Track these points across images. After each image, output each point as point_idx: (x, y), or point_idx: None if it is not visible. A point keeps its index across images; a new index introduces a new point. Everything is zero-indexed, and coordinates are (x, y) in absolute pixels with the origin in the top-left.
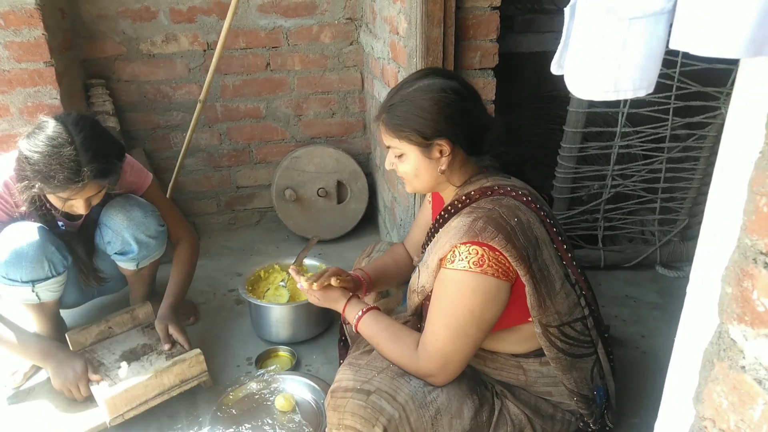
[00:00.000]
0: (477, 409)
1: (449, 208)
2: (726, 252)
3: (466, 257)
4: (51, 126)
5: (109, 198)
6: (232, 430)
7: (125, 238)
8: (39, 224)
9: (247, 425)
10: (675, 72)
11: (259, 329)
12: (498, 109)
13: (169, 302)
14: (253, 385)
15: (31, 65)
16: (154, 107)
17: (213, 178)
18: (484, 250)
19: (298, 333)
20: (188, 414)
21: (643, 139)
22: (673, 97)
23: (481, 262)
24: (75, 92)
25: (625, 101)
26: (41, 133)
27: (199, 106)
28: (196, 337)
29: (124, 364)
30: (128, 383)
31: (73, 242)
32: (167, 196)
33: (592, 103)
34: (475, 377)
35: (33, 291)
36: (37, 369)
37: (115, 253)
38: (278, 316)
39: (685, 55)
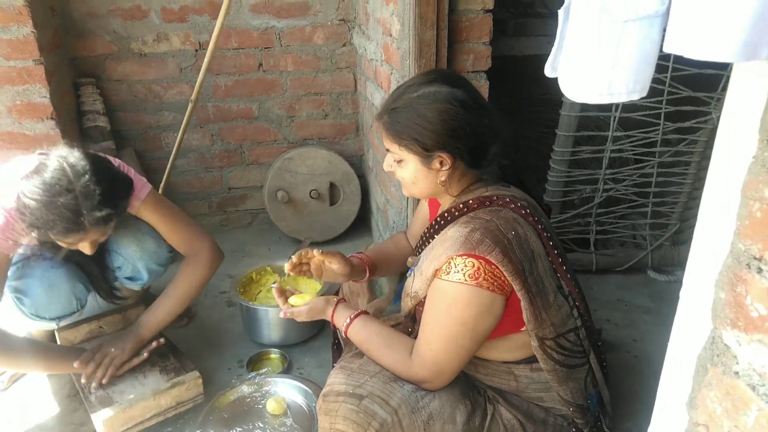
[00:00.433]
0: (469, 414)
1: (446, 215)
2: (719, 257)
3: (462, 269)
4: (50, 169)
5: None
6: None
7: (137, 267)
8: (62, 260)
9: (238, 428)
10: (666, 77)
11: (250, 332)
12: None
13: (148, 324)
14: (245, 388)
15: (19, 63)
16: (145, 107)
17: (204, 179)
18: (480, 263)
19: (290, 336)
20: (179, 417)
21: (635, 144)
22: (664, 102)
23: (476, 275)
24: (65, 91)
25: (617, 106)
26: (39, 177)
27: (190, 106)
28: (187, 340)
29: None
30: (126, 404)
31: (88, 264)
32: None
33: (584, 107)
34: (468, 382)
35: (57, 324)
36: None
37: (124, 278)
38: (270, 319)
39: (677, 59)
